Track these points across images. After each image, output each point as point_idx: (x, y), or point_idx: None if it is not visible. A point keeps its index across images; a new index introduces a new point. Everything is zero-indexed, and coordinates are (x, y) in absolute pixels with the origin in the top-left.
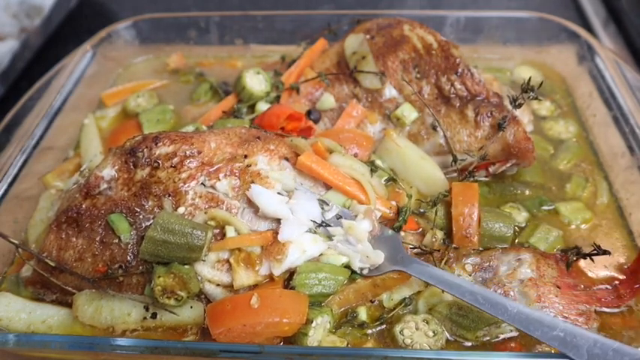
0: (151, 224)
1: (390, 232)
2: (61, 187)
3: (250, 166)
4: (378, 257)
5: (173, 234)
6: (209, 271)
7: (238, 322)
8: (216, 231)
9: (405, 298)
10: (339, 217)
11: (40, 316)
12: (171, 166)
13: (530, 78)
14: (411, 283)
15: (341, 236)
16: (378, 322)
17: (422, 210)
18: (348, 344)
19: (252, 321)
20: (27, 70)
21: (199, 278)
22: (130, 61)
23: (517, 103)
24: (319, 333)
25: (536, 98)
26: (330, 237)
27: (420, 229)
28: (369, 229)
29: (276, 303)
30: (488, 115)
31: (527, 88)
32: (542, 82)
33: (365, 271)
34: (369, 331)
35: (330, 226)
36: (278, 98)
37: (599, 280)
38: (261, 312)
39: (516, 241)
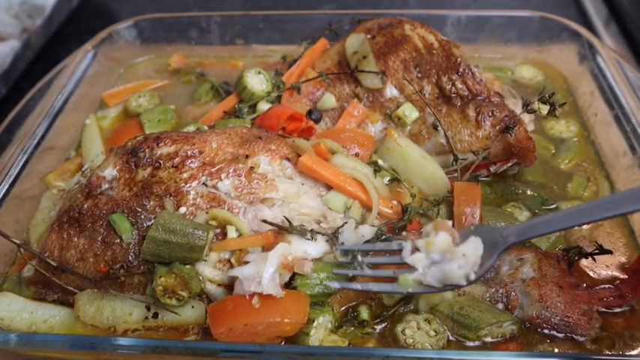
0: (152, 224)
1: (472, 226)
2: (62, 187)
3: (254, 167)
4: (476, 246)
5: (174, 234)
6: (210, 271)
7: (240, 321)
8: (218, 231)
9: (405, 296)
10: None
11: (42, 316)
12: (172, 166)
13: (553, 94)
14: None
15: (424, 260)
16: (378, 320)
17: (422, 209)
18: (349, 344)
19: (253, 321)
20: (28, 71)
21: (200, 278)
22: (131, 61)
23: (529, 109)
24: (321, 332)
25: (554, 115)
26: (419, 281)
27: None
28: (449, 239)
29: (277, 303)
30: (490, 114)
31: (546, 100)
32: (564, 103)
33: (472, 277)
34: (371, 330)
35: (353, 263)
36: (279, 98)
37: (601, 280)
38: (263, 312)
39: None
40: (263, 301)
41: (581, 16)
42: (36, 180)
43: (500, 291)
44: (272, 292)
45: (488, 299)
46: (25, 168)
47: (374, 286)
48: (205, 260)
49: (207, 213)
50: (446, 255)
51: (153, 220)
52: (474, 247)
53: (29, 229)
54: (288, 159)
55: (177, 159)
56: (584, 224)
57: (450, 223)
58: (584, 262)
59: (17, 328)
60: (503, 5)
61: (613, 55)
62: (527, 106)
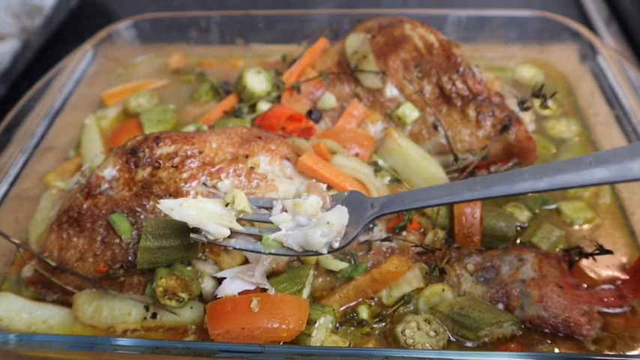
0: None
1: (346, 192)
2: (62, 187)
3: (254, 167)
4: (341, 215)
5: (166, 238)
6: (212, 268)
7: (237, 324)
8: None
9: (404, 295)
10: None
11: (41, 316)
12: (172, 166)
13: (542, 85)
14: (409, 279)
15: (289, 222)
16: (378, 319)
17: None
18: (350, 344)
19: (251, 325)
20: (28, 70)
21: (199, 274)
22: (131, 61)
23: (525, 106)
24: (322, 333)
25: (546, 107)
26: (281, 243)
27: (422, 229)
28: (320, 203)
29: (276, 308)
30: (490, 114)
31: (538, 93)
32: (554, 93)
33: (335, 246)
34: (370, 330)
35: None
36: (279, 98)
37: (601, 280)
38: (261, 317)
39: (518, 240)
40: (262, 305)
41: (582, 16)
42: (35, 180)
43: (501, 291)
44: (263, 283)
45: (488, 299)
46: (25, 168)
47: (235, 243)
48: (205, 259)
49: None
50: (312, 220)
51: None
52: (339, 216)
53: (29, 229)
54: (288, 159)
55: (176, 159)
56: (452, 203)
57: (324, 186)
58: (585, 263)
59: (16, 328)
60: (503, 5)
61: (614, 55)
62: (522, 104)
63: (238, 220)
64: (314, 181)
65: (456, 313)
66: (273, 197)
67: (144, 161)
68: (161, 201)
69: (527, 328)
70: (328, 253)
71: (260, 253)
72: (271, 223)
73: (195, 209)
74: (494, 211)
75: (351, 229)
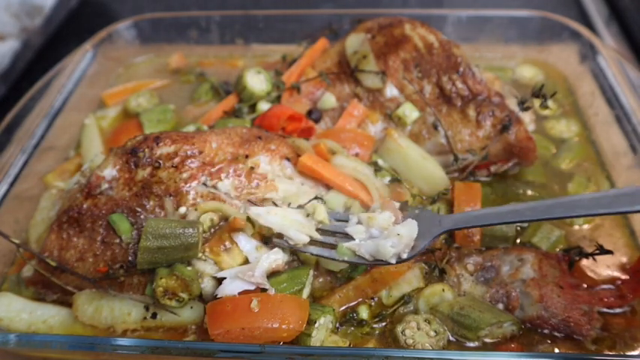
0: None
1: (417, 210)
2: (62, 187)
3: (254, 168)
4: (411, 228)
5: (166, 238)
6: (212, 268)
7: (237, 324)
8: (213, 230)
9: (404, 295)
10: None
11: (41, 316)
12: (172, 166)
13: (543, 86)
14: (409, 279)
15: (363, 233)
16: (377, 319)
17: (419, 208)
18: (350, 344)
19: (251, 325)
20: (28, 70)
21: (199, 274)
22: (131, 61)
23: (525, 106)
24: (322, 333)
25: (546, 107)
26: (354, 251)
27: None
28: (392, 219)
29: (276, 308)
30: (490, 114)
31: (538, 93)
32: (554, 93)
33: (404, 256)
34: (370, 330)
35: (335, 234)
36: (279, 98)
37: (601, 280)
38: (261, 316)
39: (518, 240)
40: (262, 305)
41: (582, 16)
42: (35, 180)
43: (501, 291)
44: (263, 283)
45: (488, 299)
46: (25, 168)
47: (313, 249)
48: (205, 260)
49: (196, 209)
50: (384, 232)
51: None
52: (408, 229)
53: (28, 229)
54: (288, 159)
55: (176, 159)
56: (516, 222)
57: (397, 204)
58: (585, 263)
59: (16, 328)
60: (503, 5)
61: (614, 55)
62: (522, 104)
63: (317, 230)
64: (389, 199)
65: (456, 313)
66: (350, 212)
67: (144, 161)
68: (251, 208)
69: (527, 328)
70: (396, 263)
71: (335, 260)
72: (346, 234)
73: (280, 217)
74: None
75: (419, 242)
